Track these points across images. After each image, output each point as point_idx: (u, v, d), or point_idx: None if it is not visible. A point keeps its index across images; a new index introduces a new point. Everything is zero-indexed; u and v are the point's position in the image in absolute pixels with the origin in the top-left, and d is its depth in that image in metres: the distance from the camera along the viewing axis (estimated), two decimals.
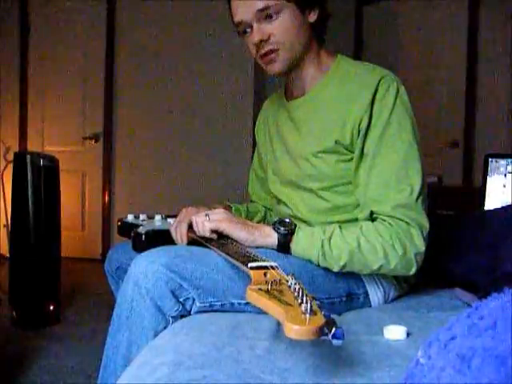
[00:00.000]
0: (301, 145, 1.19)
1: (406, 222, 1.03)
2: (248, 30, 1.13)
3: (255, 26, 1.10)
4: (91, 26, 4.06)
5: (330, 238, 1.03)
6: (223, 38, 3.66)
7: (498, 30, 3.43)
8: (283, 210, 1.27)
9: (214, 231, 1.06)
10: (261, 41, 1.10)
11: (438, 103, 3.64)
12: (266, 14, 1.09)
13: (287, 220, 1.07)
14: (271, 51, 1.12)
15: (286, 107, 1.26)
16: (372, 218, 1.08)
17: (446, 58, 3.66)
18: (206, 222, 1.06)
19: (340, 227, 1.05)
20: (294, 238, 1.04)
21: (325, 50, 1.21)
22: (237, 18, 1.13)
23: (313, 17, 1.14)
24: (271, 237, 1.05)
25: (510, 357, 0.42)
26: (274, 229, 1.05)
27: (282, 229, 1.04)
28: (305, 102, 1.20)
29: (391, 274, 1.09)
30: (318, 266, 1.05)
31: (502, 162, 1.77)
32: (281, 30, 1.10)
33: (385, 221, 1.04)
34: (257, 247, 1.04)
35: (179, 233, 1.15)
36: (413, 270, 1.05)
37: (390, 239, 1.02)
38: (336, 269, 1.04)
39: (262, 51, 1.12)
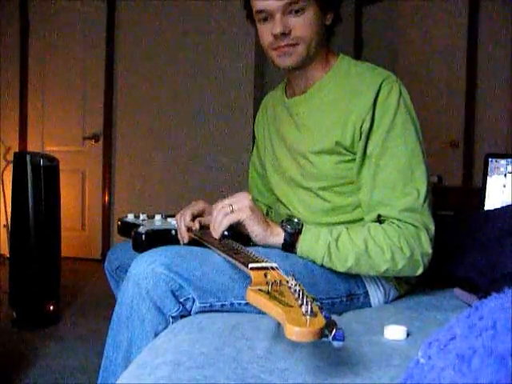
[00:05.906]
0: (300, 142, 1.19)
1: (414, 226, 1.03)
2: (268, 18, 1.11)
3: (278, 17, 1.08)
4: (91, 25, 4.06)
5: (337, 240, 1.02)
6: (223, 36, 3.66)
7: (498, 30, 3.42)
8: (282, 209, 1.27)
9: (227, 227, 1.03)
10: (282, 33, 1.09)
11: (438, 103, 3.64)
12: (292, 8, 1.08)
13: (296, 220, 1.07)
14: (289, 45, 1.11)
15: (285, 104, 1.26)
16: (379, 220, 1.08)
17: (445, 58, 3.66)
18: (228, 215, 1.02)
19: (347, 229, 1.05)
20: (301, 237, 1.04)
21: (330, 50, 1.21)
22: (260, 6, 1.10)
23: (329, 19, 1.15)
24: (279, 236, 1.05)
25: (509, 357, 0.42)
26: (281, 227, 1.05)
27: (289, 227, 1.04)
28: (305, 99, 1.20)
29: (396, 275, 1.09)
30: (322, 266, 1.05)
31: (502, 161, 1.77)
32: (303, 26, 1.10)
33: (393, 223, 1.04)
34: (263, 246, 1.04)
35: (182, 220, 1.15)
36: (419, 271, 1.05)
37: (398, 242, 1.02)
38: (341, 270, 1.04)
39: (281, 43, 1.11)
